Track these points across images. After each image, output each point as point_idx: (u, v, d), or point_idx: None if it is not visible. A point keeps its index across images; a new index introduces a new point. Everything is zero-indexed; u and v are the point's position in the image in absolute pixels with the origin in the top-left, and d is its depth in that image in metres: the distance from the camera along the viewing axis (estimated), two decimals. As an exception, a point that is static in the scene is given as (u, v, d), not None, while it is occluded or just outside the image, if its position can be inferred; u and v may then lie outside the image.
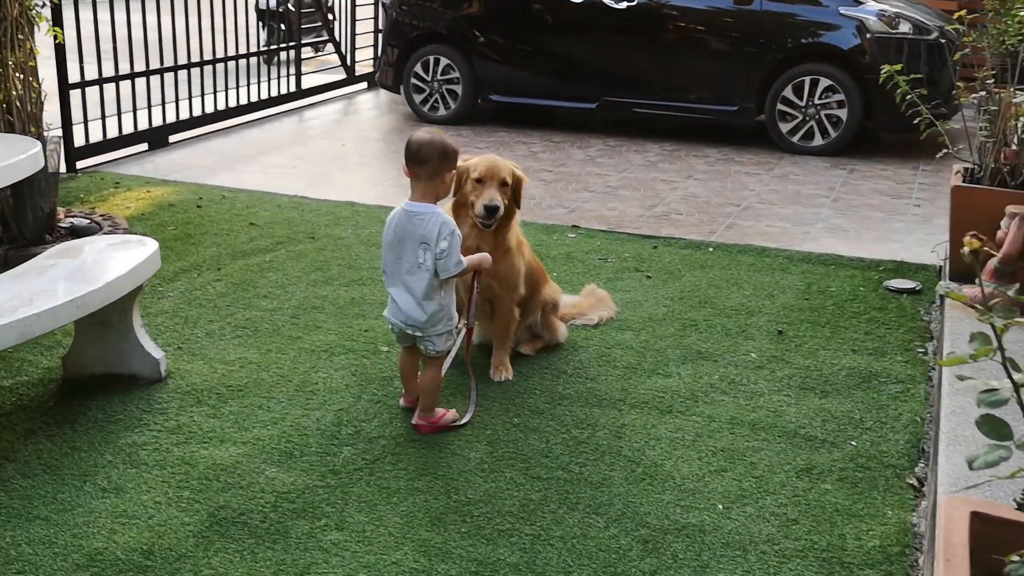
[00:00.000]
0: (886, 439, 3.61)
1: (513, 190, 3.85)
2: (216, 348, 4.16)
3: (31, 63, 5.43)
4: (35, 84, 5.36)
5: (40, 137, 5.29)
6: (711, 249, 5.72)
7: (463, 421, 3.55)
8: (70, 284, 3.33)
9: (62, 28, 6.73)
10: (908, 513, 3.15)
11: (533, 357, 4.19)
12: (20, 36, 5.26)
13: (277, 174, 7.27)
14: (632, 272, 5.31)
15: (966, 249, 1.34)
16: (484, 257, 3.53)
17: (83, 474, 3.18)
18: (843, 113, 8.13)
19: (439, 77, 9.27)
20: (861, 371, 4.14)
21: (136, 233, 5.68)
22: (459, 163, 3.84)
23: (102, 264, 3.52)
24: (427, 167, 3.33)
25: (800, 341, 4.45)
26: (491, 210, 3.71)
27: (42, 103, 5.44)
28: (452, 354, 3.66)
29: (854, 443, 3.57)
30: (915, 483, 3.34)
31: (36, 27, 5.36)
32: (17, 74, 5.27)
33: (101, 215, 5.83)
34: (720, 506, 3.14)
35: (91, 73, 7.33)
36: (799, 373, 4.12)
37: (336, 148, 8.21)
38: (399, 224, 3.38)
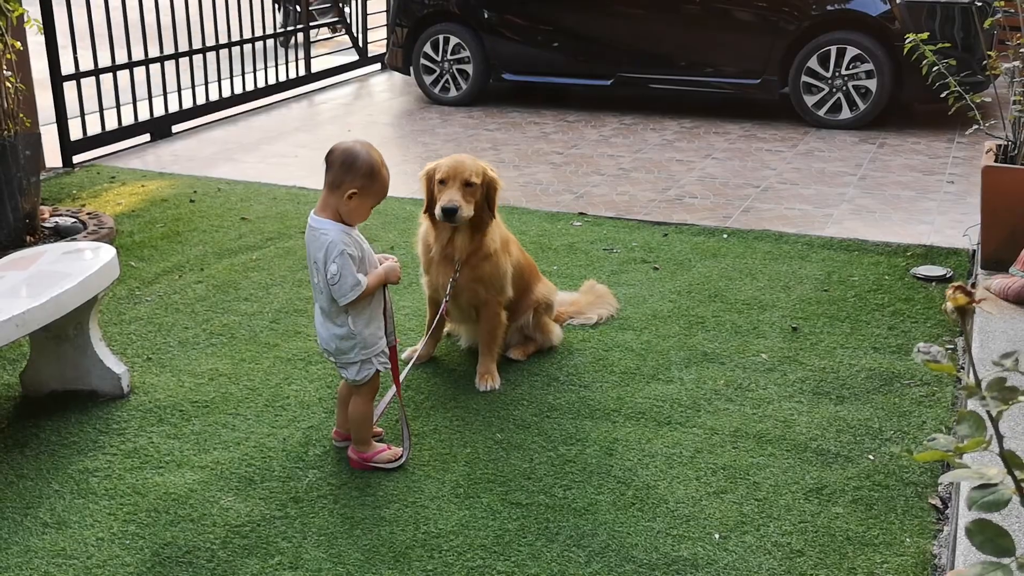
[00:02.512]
0: (908, 452, 3.27)
1: (486, 192, 3.54)
2: (187, 358, 3.92)
3: (8, 56, 5.21)
4: (12, 80, 5.14)
5: (16, 135, 5.07)
6: (725, 236, 5.38)
7: (396, 464, 3.15)
8: (12, 300, 3.09)
9: (52, 15, 6.53)
10: (928, 541, 2.82)
11: (524, 363, 3.90)
12: (-6, 29, 5.04)
13: (277, 164, 7.02)
14: (638, 263, 4.99)
15: (950, 305, 1.04)
16: (389, 270, 3.07)
17: (26, 506, 2.95)
18: (872, 84, 7.68)
19: (449, 57, 8.95)
20: (882, 372, 3.80)
21: (124, 231, 5.47)
22: (427, 167, 3.57)
23: (51, 277, 3.28)
24: (329, 172, 2.97)
25: (816, 339, 4.11)
26: (448, 212, 3.41)
27: (19, 99, 5.21)
28: (387, 399, 3.28)
29: (871, 457, 3.24)
30: (938, 504, 3.01)
31: (10, 20, 5.12)
32: (-5, 69, 5.05)
33: (88, 213, 5.62)
34: (716, 535, 2.84)
35: (88, 63, 7.12)
36: (813, 376, 3.79)
37: (342, 134, 7.93)
38: (307, 235, 3.03)
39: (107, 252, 3.50)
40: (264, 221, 5.65)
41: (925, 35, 4.62)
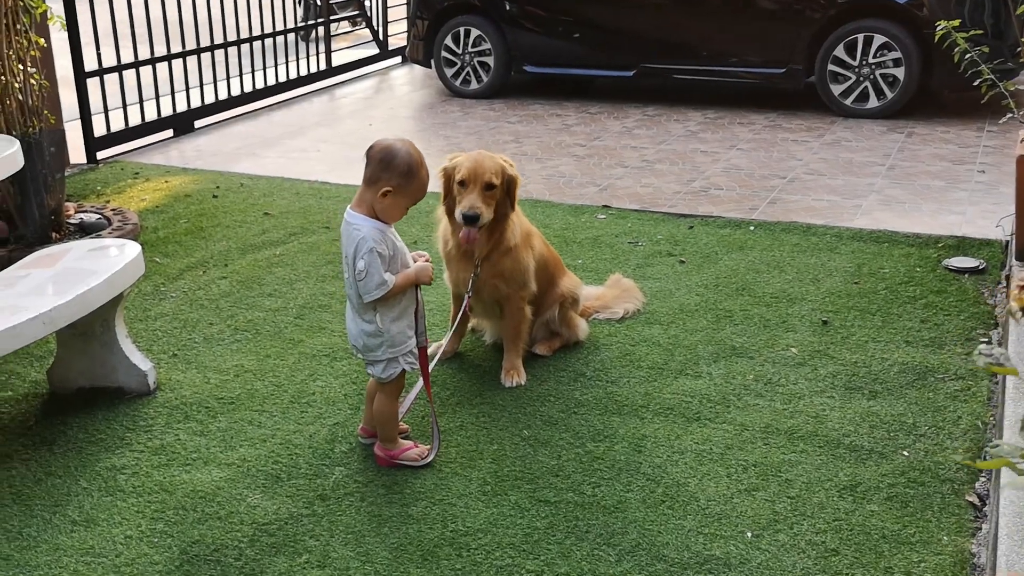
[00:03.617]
0: (943, 447, 3.21)
1: (506, 190, 3.50)
2: (212, 354, 3.91)
3: (33, 52, 5.22)
4: (36, 77, 5.15)
5: (41, 132, 5.08)
6: (752, 228, 5.31)
7: (424, 462, 3.12)
8: (38, 298, 3.09)
9: (75, 12, 6.55)
10: (967, 539, 2.76)
11: (549, 358, 3.86)
12: (18, 26, 5.05)
13: (299, 158, 7.01)
14: (664, 256, 4.93)
15: (1015, 305, 0.99)
16: (420, 270, 3.05)
17: (54, 504, 2.95)
18: (900, 72, 7.57)
19: (470, 49, 8.91)
20: (915, 367, 3.73)
21: (148, 227, 5.48)
22: (446, 163, 3.52)
23: (76, 274, 3.27)
24: (367, 167, 2.95)
25: (847, 332, 4.04)
26: (469, 219, 3.36)
27: (44, 96, 5.22)
28: (412, 395, 3.23)
29: (906, 453, 3.18)
30: (975, 501, 2.95)
31: (34, 17, 5.12)
32: (19, 66, 5.06)
33: (112, 209, 5.63)
34: (749, 534, 2.79)
35: (111, 59, 7.13)
36: (845, 370, 3.73)
37: (363, 129, 7.92)
38: (342, 230, 3.01)
39: (132, 249, 3.49)
40: (287, 216, 5.63)
41: (956, 22, 4.52)
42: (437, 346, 3.77)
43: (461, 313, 3.65)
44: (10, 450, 3.24)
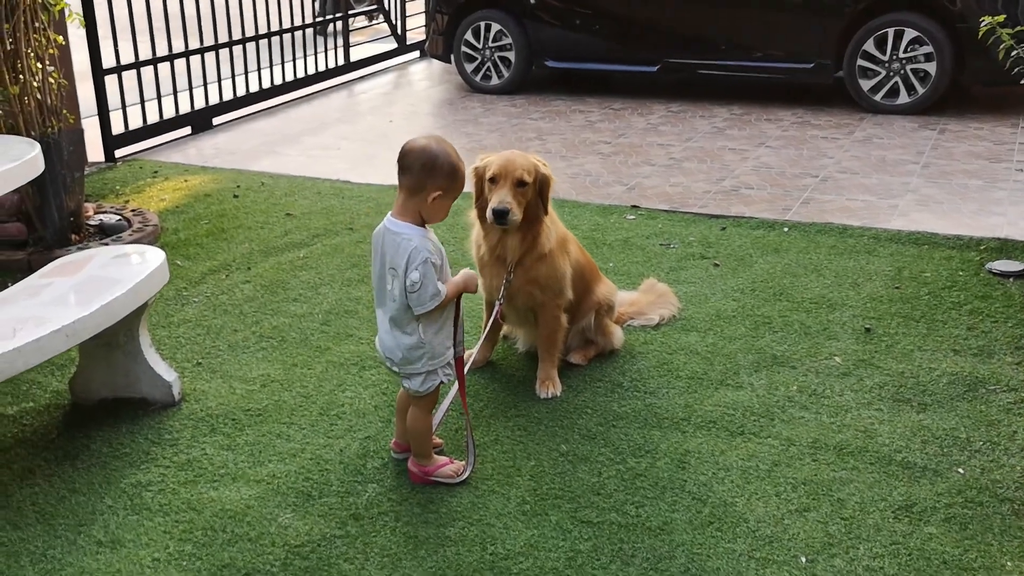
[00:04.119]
0: (999, 464, 3.08)
1: (539, 190, 3.37)
2: (238, 363, 3.81)
3: (51, 51, 5.12)
4: (55, 75, 5.05)
5: (60, 132, 4.99)
6: (786, 229, 5.17)
7: (460, 479, 3.00)
8: (61, 309, 2.99)
9: (93, 8, 6.45)
10: (1031, 565, 2.63)
11: (585, 367, 3.74)
12: (37, 24, 4.94)
13: (320, 156, 6.90)
14: (697, 259, 4.80)
15: None
16: (468, 278, 2.92)
17: (79, 523, 2.85)
18: (931, 67, 7.40)
19: (491, 44, 8.78)
20: (965, 377, 3.59)
21: (169, 228, 5.38)
22: (477, 163, 3.39)
23: (100, 283, 3.17)
24: (407, 176, 2.81)
25: (891, 340, 3.91)
26: (499, 214, 3.25)
27: (63, 94, 5.12)
28: (445, 405, 3.12)
29: (961, 471, 3.05)
30: (1037, 522, 2.82)
31: (52, 14, 5.02)
32: (37, 64, 4.96)
33: (132, 210, 5.53)
34: (803, 559, 2.67)
35: (128, 56, 7.03)
36: (892, 381, 3.60)
37: (383, 125, 7.80)
38: (378, 241, 2.88)
39: (156, 256, 3.38)
40: (310, 217, 5.53)
41: (1002, 17, 4.37)
42: (468, 354, 3.66)
43: (492, 320, 3.53)
44: (33, 465, 3.15)
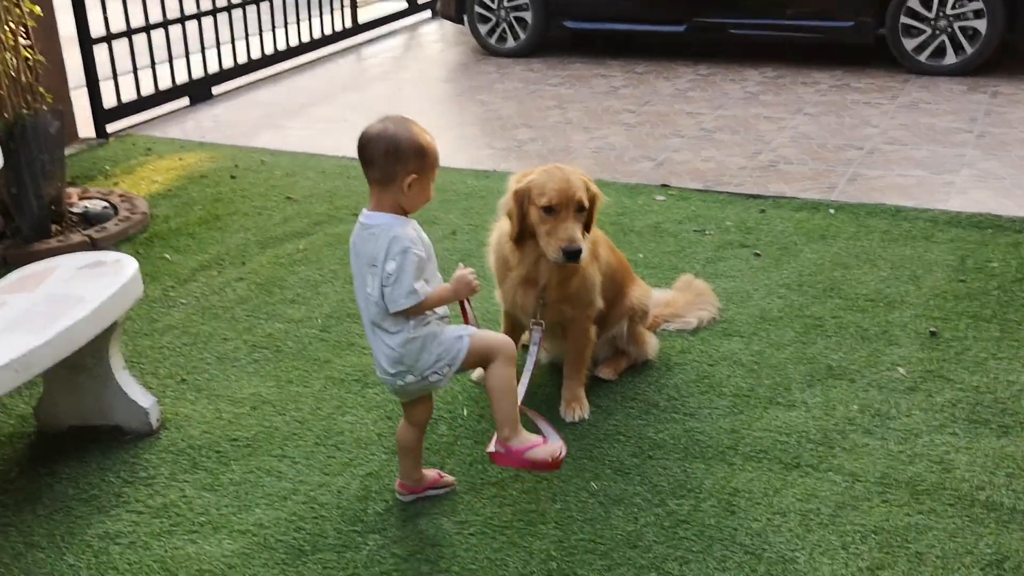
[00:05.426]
0: (1101, 506, 2.65)
1: (588, 211, 2.90)
2: (226, 379, 3.40)
3: (29, 23, 4.68)
4: (29, 51, 4.61)
5: (36, 113, 4.56)
6: (832, 211, 4.70)
7: (556, 465, 2.55)
8: (13, 336, 2.58)
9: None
10: None
11: (616, 383, 3.31)
12: (9, -3, 4.50)
13: (325, 130, 6.45)
14: (736, 248, 4.35)
15: None
16: (460, 283, 2.50)
17: (35, 587, 2.47)
18: (981, 24, 6.84)
19: (506, 3, 8.24)
20: (1050, 393, 3.15)
21: (159, 215, 4.96)
22: (516, 183, 2.89)
23: (61, 302, 2.76)
24: (373, 169, 2.44)
25: (961, 346, 3.46)
26: (571, 255, 2.78)
27: (38, 72, 4.69)
28: (525, 381, 2.77)
29: (1056, 514, 2.62)
30: None
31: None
32: (11, 39, 4.52)
33: (120, 195, 5.11)
34: (880, 635, 2.26)
35: (119, 23, 6.56)
36: (966, 397, 3.16)
37: (392, 94, 7.33)
38: (355, 241, 2.50)
39: (128, 267, 2.96)
40: (311, 201, 5.10)
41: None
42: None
43: (522, 343, 3.07)
44: (-12, 510, 2.77)
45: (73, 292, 2.81)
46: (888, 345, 3.49)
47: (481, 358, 2.56)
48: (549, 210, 2.80)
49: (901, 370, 3.33)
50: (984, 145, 5.55)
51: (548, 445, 2.59)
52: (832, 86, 6.99)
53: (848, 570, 2.45)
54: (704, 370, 3.38)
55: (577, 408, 3.12)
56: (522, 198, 2.85)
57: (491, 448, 2.60)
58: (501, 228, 3.05)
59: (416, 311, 2.44)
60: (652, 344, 3.43)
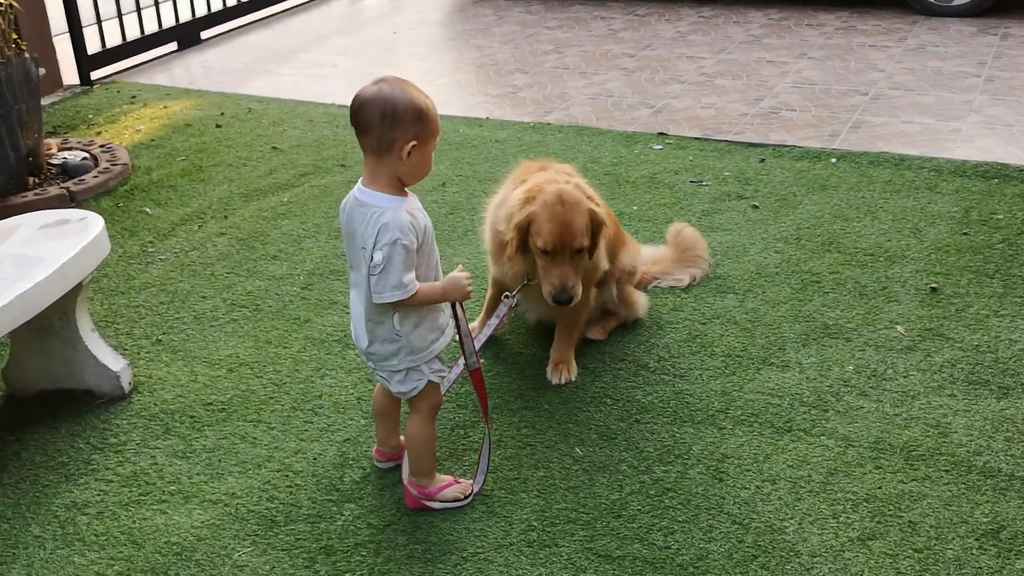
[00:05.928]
0: (1103, 472, 2.55)
1: (592, 238, 2.78)
2: (203, 339, 3.31)
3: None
4: (1, -3, 4.43)
5: (10, 61, 4.40)
6: (834, 160, 4.55)
7: (466, 500, 2.52)
8: (-31, 300, 2.48)
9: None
10: None
11: (604, 342, 3.21)
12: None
13: (315, 75, 6.27)
14: (734, 200, 4.21)
15: None
16: (452, 285, 2.38)
17: (-1, 560, 2.41)
18: (995, -38, 6.59)
19: (503, -57, 7.98)
20: (1053, 353, 3.04)
21: (141, 167, 4.83)
22: (519, 207, 2.74)
23: (21, 263, 2.65)
24: (368, 136, 2.26)
25: (962, 303, 3.34)
26: (561, 302, 2.73)
27: (12, 19, 4.52)
28: (455, 373, 2.67)
29: (1056, 481, 2.53)
30: None
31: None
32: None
33: (101, 146, 4.98)
34: (869, 610, 2.18)
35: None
36: (965, 357, 3.05)
37: (386, 38, 7.12)
38: (348, 213, 2.36)
39: (94, 225, 2.85)
40: (298, 151, 4.95)
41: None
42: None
43: (500, 320, 2.96)
44: (-46, 478, 2.70)
45: (34, 253, 2.70)
46: (887, 302, 3.37)
47: (422, 399, 2.44)
48: (547, 252, 2.72)
49: (899, 328, 3.22)
50: (992, 90, 5.36)
51: (458, 486, 2.54)
52: (838, 28, 6.77)
53: (838, 540, 2.36)
54: (696, 329, 3.27)
55: (564, 370, 3.02)
56: (521, 228, 2.75)
57: (406, 485, 2.52)
58: (498, 199, 2.93)
59: (403, 305, 2.31)
60: (642, 303, 3.31)
